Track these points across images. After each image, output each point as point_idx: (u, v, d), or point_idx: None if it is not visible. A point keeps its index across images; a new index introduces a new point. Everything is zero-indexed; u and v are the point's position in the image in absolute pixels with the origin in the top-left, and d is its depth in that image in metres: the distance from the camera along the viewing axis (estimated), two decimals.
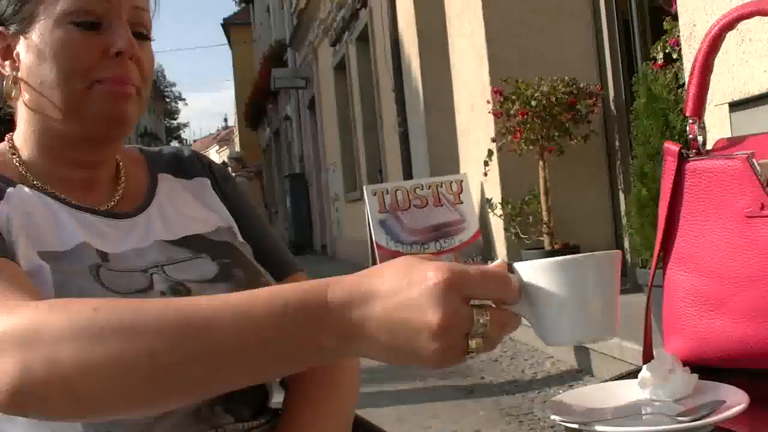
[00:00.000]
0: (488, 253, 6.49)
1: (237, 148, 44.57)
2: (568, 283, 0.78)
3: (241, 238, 1.28)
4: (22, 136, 1.19)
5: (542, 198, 5.82)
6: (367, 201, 6.68)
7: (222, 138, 74.85)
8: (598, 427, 0.83)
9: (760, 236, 0.99)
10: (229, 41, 40.28)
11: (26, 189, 1.13)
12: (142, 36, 1.18)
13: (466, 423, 4.13)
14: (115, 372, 0.79)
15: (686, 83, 1.13)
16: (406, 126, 9.63)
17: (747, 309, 1.00)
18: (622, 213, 5.90)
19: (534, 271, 0.78)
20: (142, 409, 0.87)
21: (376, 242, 6.52)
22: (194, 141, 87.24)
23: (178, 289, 1.12)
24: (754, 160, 1.00)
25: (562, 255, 4.81)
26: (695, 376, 0.91)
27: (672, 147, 1.09)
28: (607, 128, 6.18)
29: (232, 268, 1.20)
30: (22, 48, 1.15)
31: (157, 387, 0.80)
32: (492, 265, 0.78)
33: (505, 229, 6.09)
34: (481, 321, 0.73)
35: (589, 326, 0.80)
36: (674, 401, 0.89)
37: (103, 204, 1.20)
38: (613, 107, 6.07)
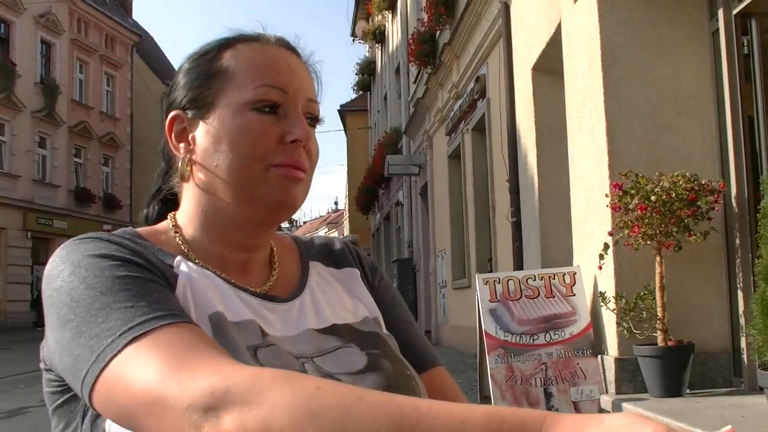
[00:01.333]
0: (599, 347, 6.38)
1: (346, 231, 45.12)
2: None
3: (386, 330, 1.30)
4: (188, 215, 1.24)
5: (657, 294, 5.69)
6: (477, 289, 6.67)
7: (331, 221, 75.95)
8: None
9: None
10: (344, 127, 41.09)
11: (189, 263, 1.17)
12: (312, 121, 1.23)
13: None
14: None
15: None
16: (519, 216, 9.61)
17: None
18: (740, 312, 5.74)
19: None
20: None
21: (485, 330, 6.47)
22: (304, 222, 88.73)
23: None
24: None
25: (676, 353, 4.61)
26: None
27: None
28: (728, 226, 6.04)
29: (380, 359, 1.20)
30: (200, 132, 1.20)
31: None
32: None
33: (618, 324, 5.97)
34: None
35: None
36: None
37: (258, 287, 1.23)
38: (734, 204, 5.95)
